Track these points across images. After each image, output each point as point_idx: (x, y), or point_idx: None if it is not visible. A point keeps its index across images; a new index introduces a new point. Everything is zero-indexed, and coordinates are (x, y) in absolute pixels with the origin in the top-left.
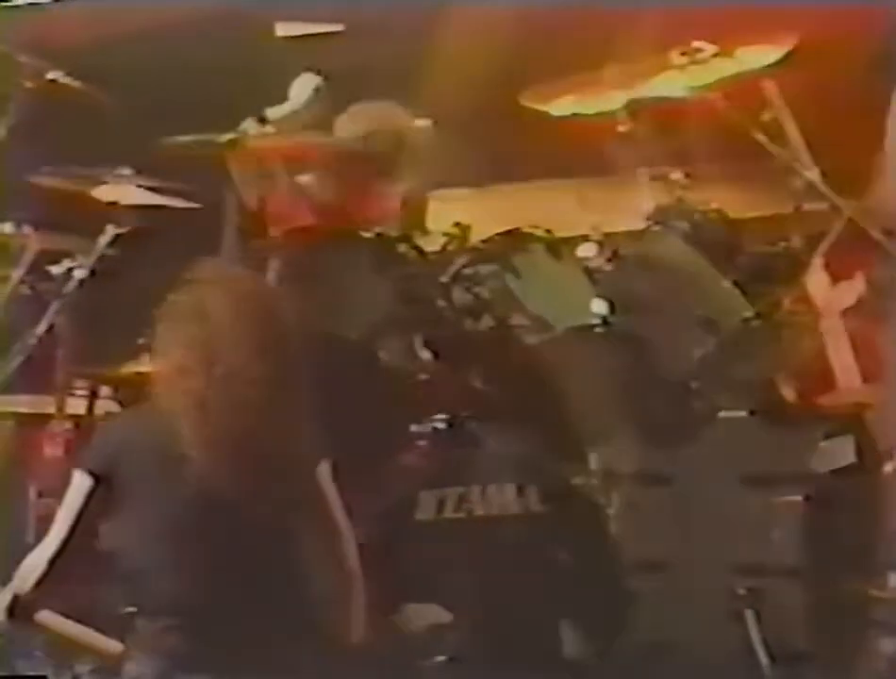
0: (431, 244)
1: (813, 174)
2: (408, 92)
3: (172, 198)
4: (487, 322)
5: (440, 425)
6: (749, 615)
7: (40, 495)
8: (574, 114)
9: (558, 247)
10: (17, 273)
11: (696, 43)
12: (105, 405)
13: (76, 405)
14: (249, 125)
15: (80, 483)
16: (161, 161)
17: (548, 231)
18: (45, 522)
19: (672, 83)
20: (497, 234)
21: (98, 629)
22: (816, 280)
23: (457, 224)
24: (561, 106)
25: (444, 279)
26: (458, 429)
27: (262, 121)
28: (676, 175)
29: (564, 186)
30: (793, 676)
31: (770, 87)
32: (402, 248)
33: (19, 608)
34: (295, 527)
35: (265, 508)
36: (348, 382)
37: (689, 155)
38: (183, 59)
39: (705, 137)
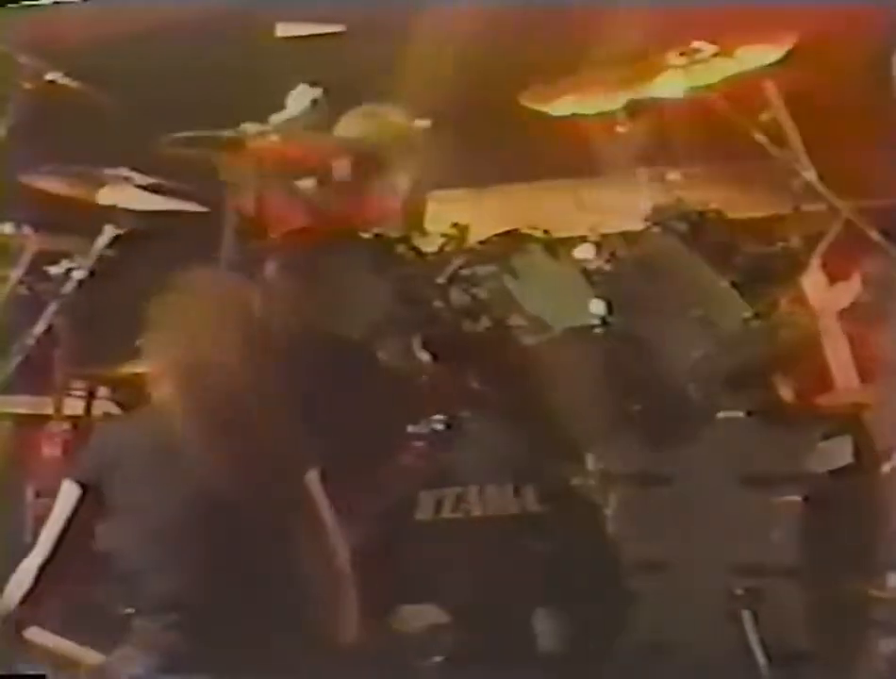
0: (429, 245)
1: (811, 175)
2: (407, 93)
3: (170, 199)
4: (485, 322)
5: (438, 426)
6: (746, 615)
7: (37, 495)
8: (574, 115)
9: (556, 248)
10: (16, 274)
11: (695, 44)
12: (103, 405)
13: (75, 406)
14: (248, 127)
15: (68, 493)
16: (160, 162)
17: (546, 232)
18: (43, 523)
19: (672, 83)
20: (495, 235)
21: (94, 629)
22: (813, 281)
23: (455, 225)
24: (561, 106)
25: (442, 280)
26: (456, 430)
27: (259, 122)
28: (674, 176)
29: (562, 186)
30: (792, 676)
31: (768, 87)
32: (400, 249)
33: (8, 625)
34: (287, 529)
35: (258, 509)
36: (346, 382)
37: (688, 155)
38: (182, 60)
39: (703, 137)
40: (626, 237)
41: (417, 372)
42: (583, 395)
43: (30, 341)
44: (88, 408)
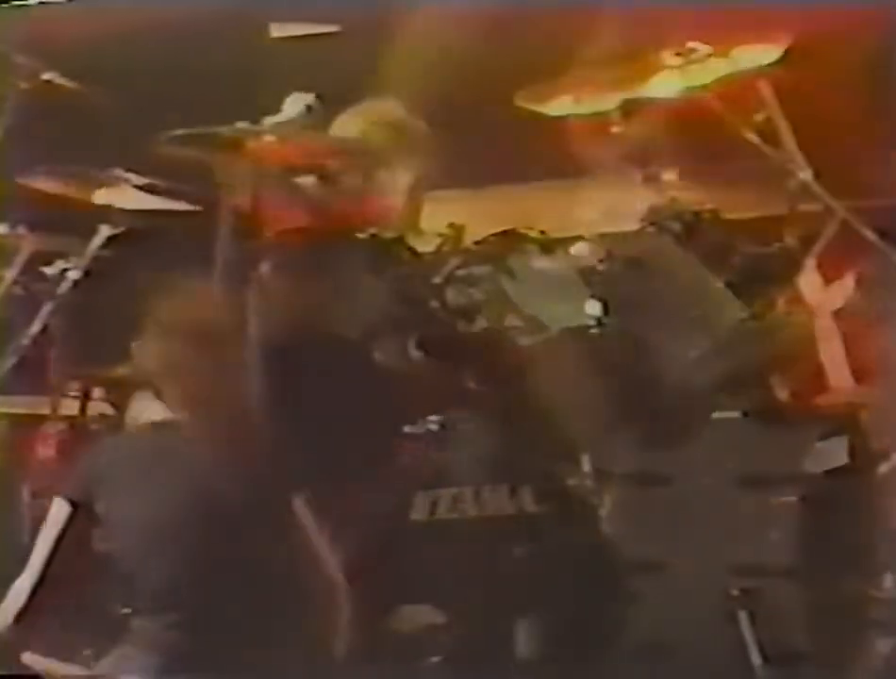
0: (425, 245)
1: (807, 175)
2: (402, 93)
3: (166, 199)
4: (481, 323)
5: (434, 427)
6: (743, 615)
7: (34, 496)
8: (569, 115)
9: (553, 248)
10: (11, 274)
11: (691, 44)
12: (98, 406)
13: (70, 406)
14: (244, 126)
15: (58, 510)
16: (156, 161)
17: (542, 232)
18: (40, 523)
19: (667, 84)
20: (491, 235)
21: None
22: (809, 281)
23: (452, 225)
24: (556, 106)
25: (438, 280)
26: (452, 430)
27: (255, 122)
28: (670, 176)
29: (558, 187)
30: (789, 677)
31: (763, 87)
32: (396, 249)
33: (4, 650)
34: (278, 541)
35: (250, 518)
36: (342, 382)
37: (683, 155)
38: (178, 60)
39: (698, 138)
40: (622, 237)
41: (413, 372)
42: (579, 396)
43: (25, 342)
44: (83, 409)
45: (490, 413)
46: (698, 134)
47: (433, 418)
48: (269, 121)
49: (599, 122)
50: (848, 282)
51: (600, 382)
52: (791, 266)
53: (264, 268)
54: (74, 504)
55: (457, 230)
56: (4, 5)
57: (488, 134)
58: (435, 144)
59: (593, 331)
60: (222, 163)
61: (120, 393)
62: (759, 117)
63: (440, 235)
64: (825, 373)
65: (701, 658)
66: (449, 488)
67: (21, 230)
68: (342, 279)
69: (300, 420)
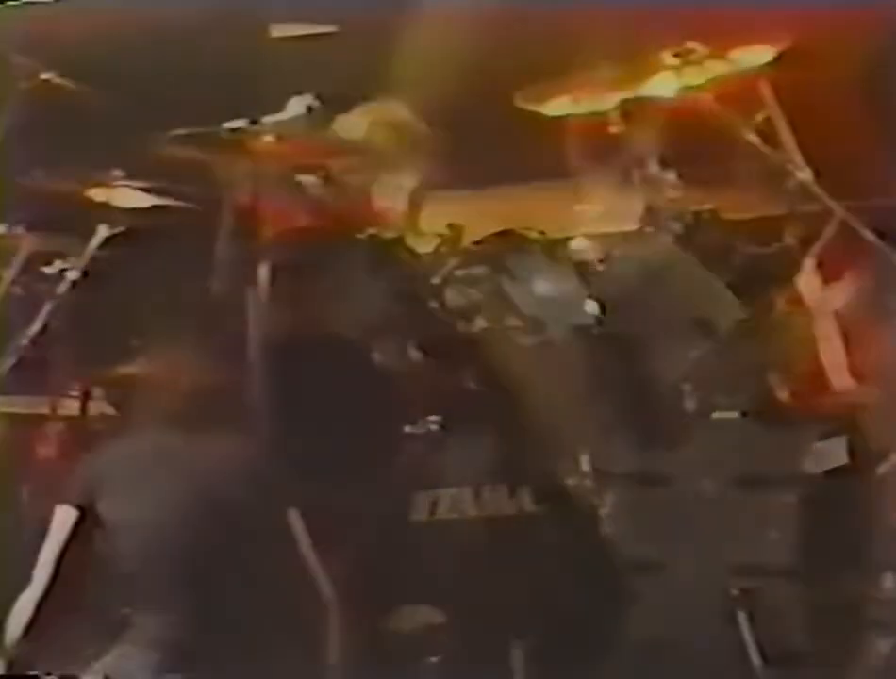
0: (424, 245)
1: (806, 176)
2: (402, 94)
3: (166, 199)
4: (480, 323)
5: (434, 427)
6: (742, 616)
7: (33, 496)
8: (568, 115)
9: (552, 248)
10: (10, 274)
11: (689, 44)
12: (98, 406)
13: (70, 407)
14: (244, 126)
15: (63, 517)
16: (155, 161)
17: (541, 232)
18: (38, 524)
19: (666, 84)
20: (490, 235)
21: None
22: (808, 281)
23: (451, 226)
24: (555, 106)
25: (437, 280)
26: (452, 430)
27: (254, 122)
28: (669, 176)
29: (557, 187)
30: (788, 677)
31: (763, 87)
32: (395, 249)
33: (16, 667)
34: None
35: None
36: (341, 382)
37: (682, 156)
38: (178, 60)
39: (697, 138)
40: (621, 237)
41: (413, 372)
42: (578, 396)
43: (25, 342)
44: (83, 409)
45: (490, 413)
46: (697, 134)
47: (432, 418)
48: (269, 120)
49: (598, 122)
50: (847, 282)
51: (599, 382)
52: (791, 266)
53: (263, 268)
54: (78, 508)
55: (457, 230)
56: (3, 4)
57: (487, 134)
58: (438, 146)
59: (593, 331)
60: (222, 163)
61: (120, 393)
62: (759, 117)
63: (440, 235)
64: (825, 374)
65: (701, 658)
66: (448, 489)
67: (20, 230)
68: (342, 279)
69: (300, 419)
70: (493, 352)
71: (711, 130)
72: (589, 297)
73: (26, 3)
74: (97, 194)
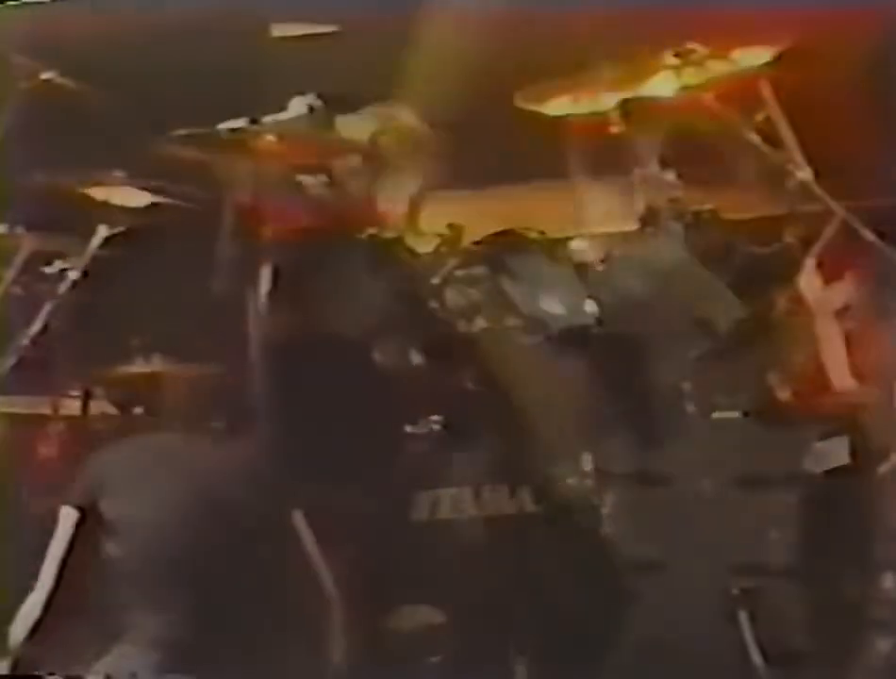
0: (424, 245)
1: (806, 175)
2: (402, 93)
3: (166, 199)
4: (480, 323)
5: (435, 427)
6: (743, 615)
7: (34, 496)
8: (569, 115)
9: (552, 248)
10: (10, 274)
11: (690, 44)
12: (99, 405)
13: (71, 406)
14: (245, 126)
15: (66, 518)
16: (156, 161)
17: (541, 232)
18: (39, 524)
19: (667, 84)
20: (490, 235)
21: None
22: (809, 281)
23: (450, 226)
24: (555, 106)
25: (437, 280)
26: (452, 430)
27: (255, 122)
28: (669, 176)
29: (558, 187)
30: (789, 676)
31: (763, 87)
32: (395, 249)
33: (20, 667)
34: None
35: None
36: (342, 382)
37: (683, 156)
38: (179, 60)
39: (698, 137)
40: (622, 237)
41: (413, 372)
42: (579, 395)
43: (25, 342)
44: (84, 408)
45: (490, 413)
46: (698, 134)
47: (433, 418)
48: (270, 120)
49: (598, 122)
50: (848, 282)
51: (600, 382)
52: (791, 266)
53: (264, 268)
54: (81, 509)
55: (456, 230)
56: (3, 4)
57: (487, 134)
58: (441, 150)
59: (593, 331)
60: (222, 163)
61: (121, 392)
62: (759, 117)
63: (440, 235)
64: (825, 374)
65: (701, 658)
66: (449, 488)
67: (20, 230)
68: (342, 279)
69: (300, 419)
70: (493, 352)
71: (712, 130)
72: (589, 297)
73: (27, 3)
74: (98, 194)
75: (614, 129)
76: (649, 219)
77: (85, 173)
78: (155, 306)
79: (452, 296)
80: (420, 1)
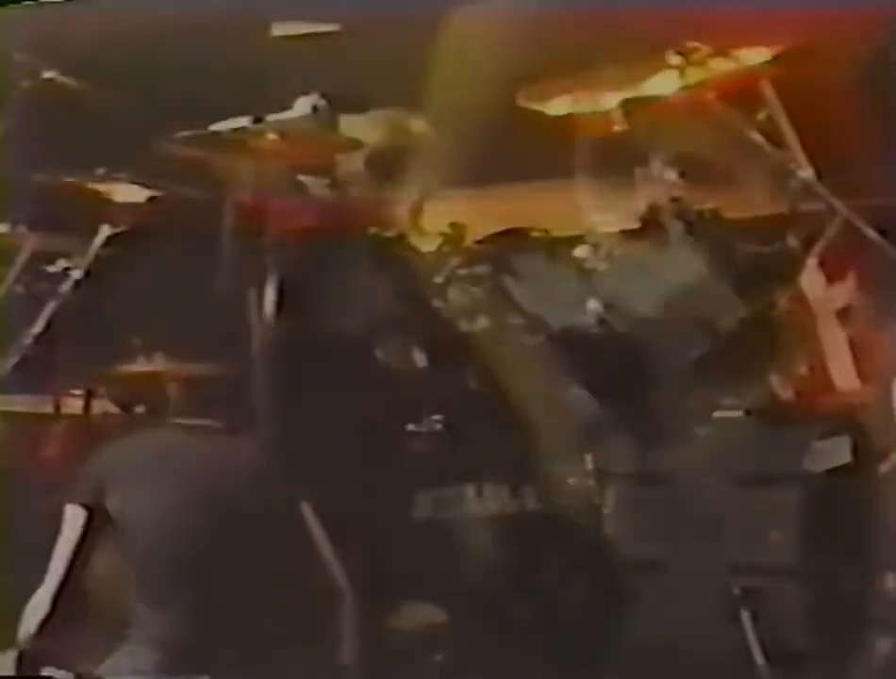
0: (427, 244)
1: (808, 174)
2: (403, 93)
3: (169, 198)
4: (482, 322)
5: (437, 425)
6: (744, 615)
7: (36, 496)
8: (570, 114)
9: (554, 247)
10: (12, 273)
11: (692, 44)
12: (101, 405)
13: (74, 406)
14: (247, 125)
15: (74, 516)
16: (158, 161)
17: (544, 231)
18: (42, 523)
19: (668, 83)
20: (493, 234)
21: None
22: (811, 280)
23: (453, 224)
24: (557, 106)
25: (439, 279)
26: (455, 429)
27: (258, 121)
28: (671, 175)
29: (560, 186)
30: (790, 676)
31: (765, 86)
32: (398, 248)
33: (27, 663)
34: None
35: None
36: (345, 381)
37: (685, 154)
38: (179, 59)
39: (700, 136)
40: (624, 236)
41: (415, 371)
42: (580, 394)
43: (28, 341)
44: (87, 408)
45: (492, 412)
46: (699, 133)
47: (435, 417)
48: (272, 119)
49: (600, 120)
50: (850, 281)
51: (601, 381)
52: (793, 265)
53: (267, 267)
54: (86, 507)
55: (459, 229)
56: (5, 4)
57: (490, 133)
58: (444, 154)
59: (595, 330)
60: (224, 162)
61: (124, 392)
62: (761, 116)
63: (442, 234)
64: (828, 373)
65: (702, 658)
66: (451, 487)
67: (22, 229)
68: (344, 278)
69: (302, 418)
70: (496, 351)
71: (714, 129)
72: (591, 296)
73: (28, 2)
74: (100, 193)
75: (616, 128)
76: (651, 218)
77: (87, 173)
78: (157, 306)
79: (454, 295)
80: (421, 1)
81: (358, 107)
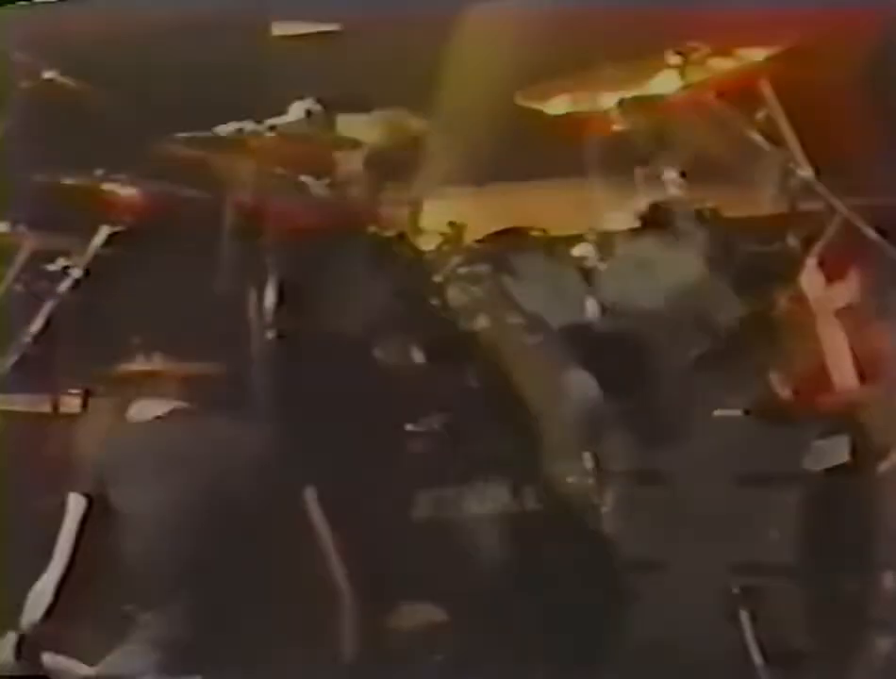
0: (426, 244)
1: (808, 174)
2: (403, 93)
3: (168, 198)
4: (482, 321)
5: (437, 425)
6: (743, 614)
7: (34, 494)
8: (570, 113)
9: (554, 246)
10: (12, 272)
11: (692, 43)
12: (100, 404)
13: (72, 404)
14: (247, 126)
15: (76, 505)
16: (158, 160)
17: (543, 230)
18: (40, 521)
19: (668, 82)
20: (492, 233)
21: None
22: (811, 280)
23: (452, 224)
24: (557, 105)
25: (439, 278)
26: (455, 429)
27: (258, 122)
28: (671, 174)
29: (559, 185)
30: (789, 675)
31: (765, 85)
32: (397, 247)
33: (26, 648)
34: (287, 534)
35: (259, 515)
36: (344, 381)
37: (684, 154)
38: (179, 59)
39: (699, 136)
40: (623, 235)
41: (414, 370)
42: (580, 394)
43: (27, 340)
44: (85, 406)
45: (492, 411)
46: (699, 132)
47: (435, 416)
48: (271, 122)
49: (600, 120)
50: (850, 281)
51: (601, 380)
52: (793, 265)
53: (267, 267)
54: (88, 497)
55: (458, 229)
56: (4, 4)
57: (489, 133)
58: (444, 153)
59: (594, 329)
60: (224, 162)
61: (122, 391)
62: (761, 115)
63: (442, 233)
64: (827, 372)
65: (701, 657)
66: (451, 487)
67: (21, 228)
68: (344, 278)
69: (302, 417)
70: (495, 350)
71: (714, 128)
72: (591, 295)
73: (28, 2)
74: (99, 193)
75: (616, 127)
76: (651, 217)
77: (87, 173)
78: (156, 305)
79: (454, 294)
80: (421, 1)
81: (359, 107)
